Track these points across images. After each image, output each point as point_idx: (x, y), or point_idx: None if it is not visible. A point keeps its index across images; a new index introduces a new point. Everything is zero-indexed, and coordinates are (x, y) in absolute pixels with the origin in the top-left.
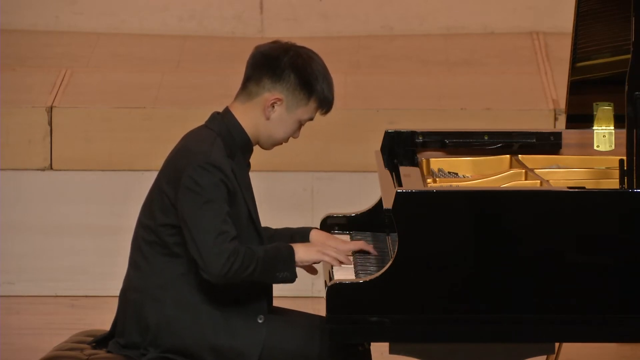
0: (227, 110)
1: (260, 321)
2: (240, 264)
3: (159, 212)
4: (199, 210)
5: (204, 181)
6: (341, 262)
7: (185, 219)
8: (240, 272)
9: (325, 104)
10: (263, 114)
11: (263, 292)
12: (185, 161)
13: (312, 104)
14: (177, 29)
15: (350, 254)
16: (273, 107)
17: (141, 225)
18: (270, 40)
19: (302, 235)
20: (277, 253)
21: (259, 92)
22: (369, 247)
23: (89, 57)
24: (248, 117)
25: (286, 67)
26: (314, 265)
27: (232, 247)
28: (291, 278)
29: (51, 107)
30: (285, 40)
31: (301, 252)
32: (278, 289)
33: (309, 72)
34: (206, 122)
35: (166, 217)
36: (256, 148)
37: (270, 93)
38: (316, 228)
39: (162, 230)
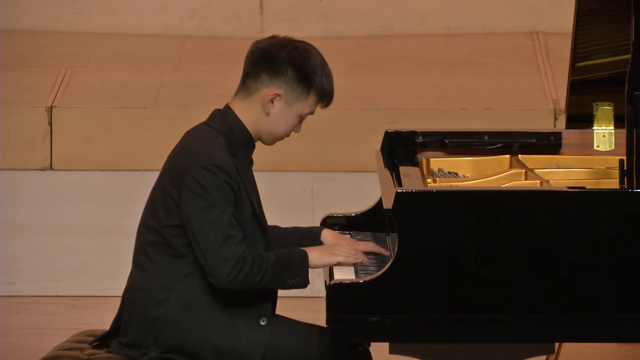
0: (227, 108)
1: (263, 323)
2: (248, 270)
3: (163, 213)
4: (204, 215)
5: (207, 183)
6: (356, 260)
7: (190, 223)
8: (248, 278)
9: (324, 97)
10: (263, 109)
11: (268, 294)
12: (187, 161)
13: (312, 98)
14: (177, 29)
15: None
16: (272, 102)
17: (145, 226)
18: None
19: (313, 237)
20: (290, 259)
21: (257, 88)
22: (380, 249)
23: (89, 57)
24: (248, 114)
25: (284, 62)
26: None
27: (240, 252)
28: (302, 284)
29: (51, 107)
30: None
31: (315, 257)
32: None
33: (307, 66)
34: (207, 120)
35: (170, 218)
36: (257, 145)
37: (269, 89)
38: (327, 228)
39: (166, 231)
